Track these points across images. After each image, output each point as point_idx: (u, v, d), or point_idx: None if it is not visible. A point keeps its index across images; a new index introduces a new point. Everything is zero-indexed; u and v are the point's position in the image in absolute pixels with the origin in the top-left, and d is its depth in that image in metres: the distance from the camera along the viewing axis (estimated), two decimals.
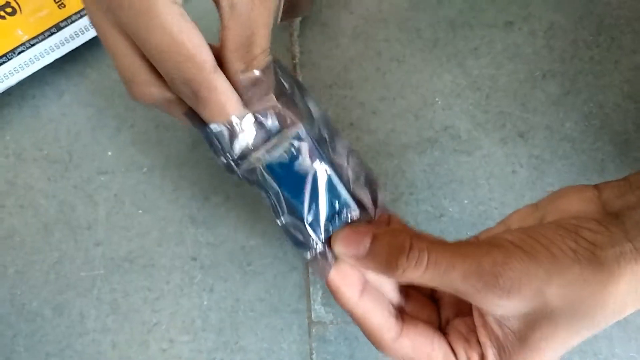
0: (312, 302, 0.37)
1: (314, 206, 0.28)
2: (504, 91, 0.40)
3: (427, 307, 0.31)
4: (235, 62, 0.27)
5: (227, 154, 0.28)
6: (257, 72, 0.27)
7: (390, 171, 0.39)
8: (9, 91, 0.38)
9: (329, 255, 0.28)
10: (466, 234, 0.38)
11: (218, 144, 0.27)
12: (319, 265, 0.28)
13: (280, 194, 0.28)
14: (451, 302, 0.30)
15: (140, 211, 0.38)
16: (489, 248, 0.25)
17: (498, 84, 0.40)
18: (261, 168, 0.27)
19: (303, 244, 0.28)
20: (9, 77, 0.37)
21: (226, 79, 0.26)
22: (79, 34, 0.38)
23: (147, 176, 0.38)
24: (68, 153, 0.39)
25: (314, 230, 0.28)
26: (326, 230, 0.28)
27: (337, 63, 0.40)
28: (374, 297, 0.28)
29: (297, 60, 0.40)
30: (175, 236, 0.38)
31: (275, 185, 0.28)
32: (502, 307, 0.25)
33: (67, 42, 0.38)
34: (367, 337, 0.29)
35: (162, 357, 0.36)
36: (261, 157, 0.27)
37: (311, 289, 0.38)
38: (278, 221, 0.28)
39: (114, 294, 0.37)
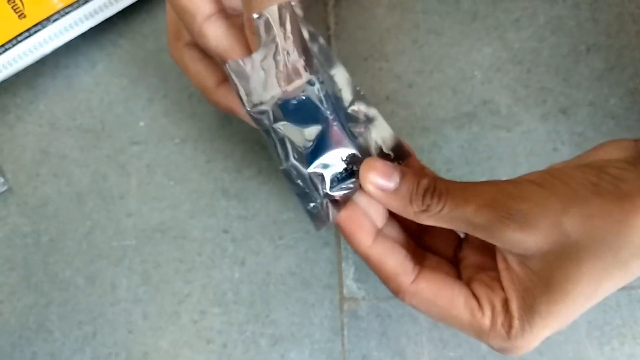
0: (344, 277, 0.37)
1: (320, 156, 0.27)
2: (546, 65, 0.39)
3: (447, 267, 0.30)
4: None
5: (242, 94, 0.27)
6: (263, 13, 0.26)
7: (427, 146, 0.38)
8: (43, 60, 0.38)
9: (331, 210, 0.28)
10: None
11: (233, 83, 0.27)
12: (320, 216, 0.28)
13: (287, 139, 0.27)
14: (473, 263, 0.29)
15: (172, 182, 0.38)
16: (504, 184, 0.26)
17: (540, 57, 0.39)
18: (270, 112, 0.27)
19: (305, 194, 0.28)
20: (43, 45, 0.37)
21: (223, 28, 0.28)
22: (113, 2, 0.38)
23: (180, 147, 0.38)
24: (101, 123, 0.38)
25: (320, 181, 0.27)
26: (331, 181, 0.27)
27: (373, 34, 0.39)
28: (389, 242, 0.28)
29: (331, 31, 0.39)
30: (207, 208, 0.37)
31: (281, 130, 0.27)
32: (521, 242, 0.24)
33: (101, 11, 0.37)
34: (384, 283, 0.28)
35: (193, 328, 0.36)
36: (270, 101, 0.27)
37: (343, 265, 0.37)
38: (280, 166, 0.28)
39: (145, 265, 0.37)
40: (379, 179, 0.27)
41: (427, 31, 0.39)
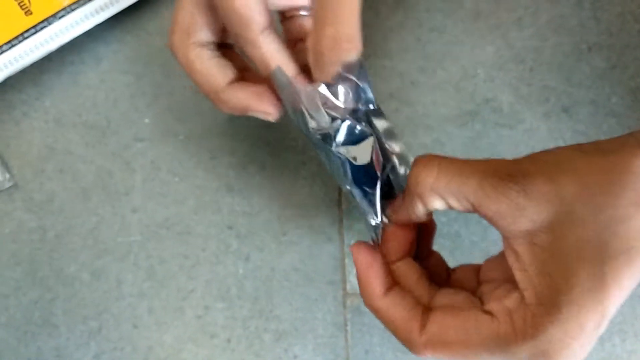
0: (347, 273, 0.37)
1: (373, 185, 0.29)
2: (548, 64, 0.39)
3: (461, 296, 0.28)
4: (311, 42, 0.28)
5: (308, 117, 0.29)
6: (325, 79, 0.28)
7: (430, 144, 0.38)
8: (49, 57, 0.38)
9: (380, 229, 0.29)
10: None
11: (302, 103, 0.29)
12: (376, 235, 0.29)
13: (347, 161, 0.29)
14: (490, 289, 0.28)
15: (176, 179, 0.38)
16: (497, 159, 0.26)
17: (542, 56, 0.39)
18: (332, 135, 0.29)
19: (366, 212, 0.29)
20: (49, 42, 0.37)
21: (276, 42, 0.29)
22: None
23: (184, 144, 0.38)
24: (106, 119, 0.39)
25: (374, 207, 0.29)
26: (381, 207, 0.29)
27: (377, 32, 0.39)
28: (400, 294, 0.28)
29: None
30: (212, 204, 0.38)
31: (342, 152, 0.29)
32: (525, 210, 0.23)
33: (107, 8, 0.38)
34: (395, 335, 0.27)
35: (197, 323, 0.37)
36: (332, 126, 0.29)
37: (346, 261, 0.37)
38: (344, 186, 0.30)
39: (150, 260, 0.37)
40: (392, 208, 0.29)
41: (430, 29, 0.39)
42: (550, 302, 0.23)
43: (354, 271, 0.37)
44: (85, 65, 0.39)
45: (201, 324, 0.37)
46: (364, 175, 0.29)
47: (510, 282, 0.26)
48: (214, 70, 0.31)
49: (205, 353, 0.36)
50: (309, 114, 0.28)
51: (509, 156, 0.37)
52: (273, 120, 0.31)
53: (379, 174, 0.29)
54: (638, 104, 0.38)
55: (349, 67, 0.28)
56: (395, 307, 0.27)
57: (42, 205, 0.38)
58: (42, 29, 0.36)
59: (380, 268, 0.28)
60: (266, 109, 0.30)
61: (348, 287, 0.37)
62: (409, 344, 0.27)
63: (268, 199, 0.38)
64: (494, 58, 0.39)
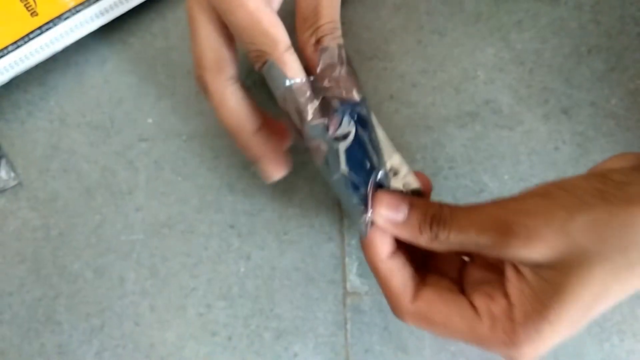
0: (347, 272, 0.37)
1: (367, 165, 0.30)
2: (548, 66, 0.39)
3: (448, 283, 0.30)
4: (302, 32, 0.30)
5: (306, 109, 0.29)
6: (327, 45, 0.30)
7: (430, 145, 0.38)
8: (54, 57, 0.38)
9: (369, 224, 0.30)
10: None
11: (296, 98, 0.29)
12: (364, 222, 0.30)
13: (340, 150, 0.29)
14: (476, 279, 0.30)
15: (179, 178, 0.38)
16: (507, 202, 0.26)
17: (542, 58, 0.39)
18: (327, 123, 0.30)
19: (354, 204, 0.29)
20: (54, 43, 0.37)
21: (297, 59, 0.29)
22: (123, 1, 0.38)
23: (187, 144, 0.39)
24: (110, 119, 0.39)
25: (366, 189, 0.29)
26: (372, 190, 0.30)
27: (378, 34, 0.40)
28: (401, 260, 0.29)
29: None
30: (214, 204, 0.38)
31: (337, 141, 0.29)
32: (528, 256, 0.25)
33: (111, 10, 0.38)
34: (386, 298, 0.30)
35: (199, 321, 0.37)
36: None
37: (347, 260, 0.38)
38: (335, 175, 0.30)
39: (153, 259, 0.38)
40: (388, 211, 0.29)
41: (431, 32, 0.40)
42: (535, 327, 0.25)
43: (354, 270, 0.37)
44: (90, 65, 0.40)
45: (202, 322, 0.37)
46: (357, 163, 0.29)
47: (500, 283, 0.28)
48: (245, 113, 0.31)
49: (207, 351, 0.37)
50: (305, 105, 0.29)
51: (509, 156, 0.38)
52: (265, 181, 0.33)
53: (369, 164, 0.30)
54: (637, 105, 0.38)
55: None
56: (396, 272, 0.29)
57: (46, 203, 0.38)
58: (47, 30, 0.37)
59: (387, 235, 0.29)
60: (268, 170, 0.33)
61: (348, 286, 0.37)
62: (396, 309, 0.29)
63: (269, 199, 0.38)
64: (494, 60, 0.39)
